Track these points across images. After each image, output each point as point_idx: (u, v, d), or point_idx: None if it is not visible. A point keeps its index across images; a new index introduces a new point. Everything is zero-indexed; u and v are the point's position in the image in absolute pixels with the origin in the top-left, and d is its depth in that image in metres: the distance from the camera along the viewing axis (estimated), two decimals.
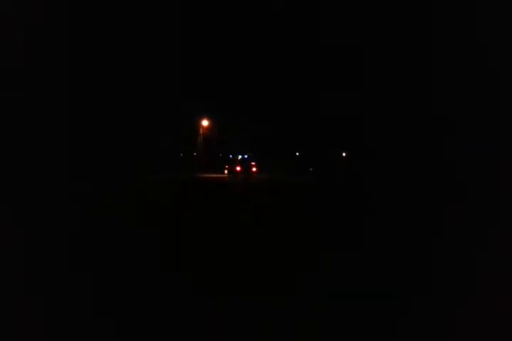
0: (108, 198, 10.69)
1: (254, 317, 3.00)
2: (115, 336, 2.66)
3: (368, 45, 25.31)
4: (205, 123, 45.68)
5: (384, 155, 24.16)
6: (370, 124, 27.25)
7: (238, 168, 38.73)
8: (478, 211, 7.59)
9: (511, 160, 9.35)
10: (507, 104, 10.31)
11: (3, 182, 9.50)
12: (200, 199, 12.38)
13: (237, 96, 54.91)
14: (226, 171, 38.97)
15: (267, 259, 4.65)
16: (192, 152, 46.73)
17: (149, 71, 29.92)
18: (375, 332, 2.84)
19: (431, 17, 15.84)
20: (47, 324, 2.75)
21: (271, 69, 61.15)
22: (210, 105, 46.40)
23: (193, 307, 3.13)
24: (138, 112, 28.90)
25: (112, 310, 3.05)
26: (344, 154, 49.55)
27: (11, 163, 11.58)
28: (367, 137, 28.32)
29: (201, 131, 45.61)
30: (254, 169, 39.76)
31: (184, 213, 8.45)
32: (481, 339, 2.75)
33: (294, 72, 52.40)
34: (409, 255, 4.95)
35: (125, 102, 26.08)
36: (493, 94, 11.21)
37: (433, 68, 15.90)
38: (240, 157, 40.03)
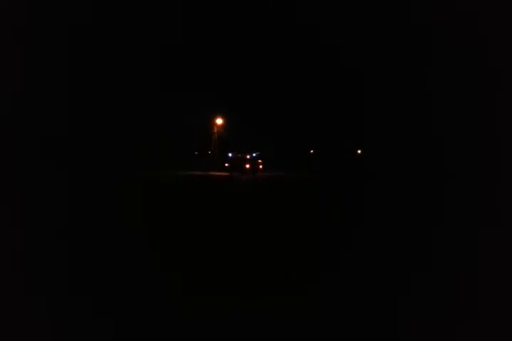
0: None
1: None
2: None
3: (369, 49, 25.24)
4: (219, 121, 45.85)
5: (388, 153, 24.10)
6: (370, 124, 27.19)
7: (248, 166, 40.47)
8: (477, 210, 7.54)
9: (511, 159, 9.26)
10: (507, 104, 10.21)
11: (2, 180, 9.69)
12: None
13: (249, 96, 54.97)
14: (226, 169, 39.88)
15: None
16: (207, 150, 47.07)
17: (155, 70, 30.38)
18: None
19: (431, 17, 15.74)
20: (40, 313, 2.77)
21: (284, 70, 60.96)
22: (223, 104, 46.66)
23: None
24: (153, 111, 29.51)
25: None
26: (359, 151, 49.25)
27: (9, 161, 11.77)
28: (372, 136, 28.26)
29: (215, 130, 45.84)
30: (260, 166, 41.94)
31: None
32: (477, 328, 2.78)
33: (299, 73, 52.21)
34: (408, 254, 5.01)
35: (140, 102, 26.57)
36: (492, 94, 11.11)
37: (433, 67, 15.82)
38: (247, 156, 41.55)
